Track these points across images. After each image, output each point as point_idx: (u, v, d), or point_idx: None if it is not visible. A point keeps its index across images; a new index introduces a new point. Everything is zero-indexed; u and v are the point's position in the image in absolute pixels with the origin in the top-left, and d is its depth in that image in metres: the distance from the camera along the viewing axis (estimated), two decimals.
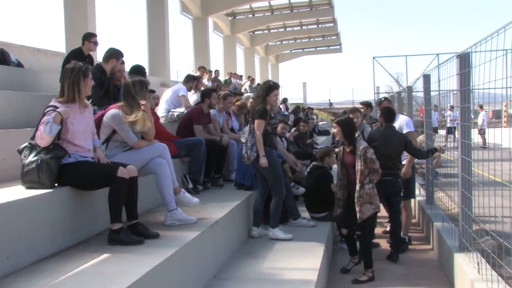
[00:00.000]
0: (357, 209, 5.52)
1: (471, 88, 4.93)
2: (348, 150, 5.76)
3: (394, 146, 6.38)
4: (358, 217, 5.55)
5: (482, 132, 20.73)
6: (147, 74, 8.10)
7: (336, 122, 5.83)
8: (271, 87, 5.86)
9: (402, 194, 6.73)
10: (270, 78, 36.01)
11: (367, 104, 8.27)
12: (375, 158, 5.63)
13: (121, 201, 4.00)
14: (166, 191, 4.59)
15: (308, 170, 7.40)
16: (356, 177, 5.59)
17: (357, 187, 5.54)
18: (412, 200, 7.77)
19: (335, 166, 6.66)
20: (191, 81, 9.88)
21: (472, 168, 5.00)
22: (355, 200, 5.56)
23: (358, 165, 5.55)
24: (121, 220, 4.02)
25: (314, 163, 7.39)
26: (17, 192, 3.70)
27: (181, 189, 4.93)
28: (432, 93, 7.61)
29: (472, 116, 5.56)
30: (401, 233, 6.83)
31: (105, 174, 3.99)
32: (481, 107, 20.53)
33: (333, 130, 5.98)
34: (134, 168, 4.13)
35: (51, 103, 4.01)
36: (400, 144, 6.38)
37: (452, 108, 17.11)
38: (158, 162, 4.62)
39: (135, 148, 4.66)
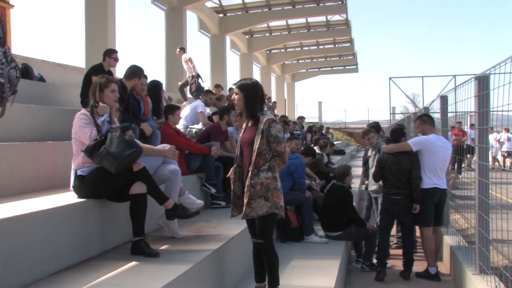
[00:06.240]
0: (245, 201, 4.07)
1: (489, 110, 4.93)
2: (250, 124, 4.29)
3: (401, 166, 6.34)
4: (243, 212, 4.09)
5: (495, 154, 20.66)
6: (164, 90, 8.22)
7: (239, 87, 4.20)
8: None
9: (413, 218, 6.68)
10: (285, 97, 36.31)
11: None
12: (282, 137, 4.11)
13: (141, 215, 4.10)
14: (175, 198, 4.64)
15: (328, 188, 7.39)
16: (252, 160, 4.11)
17: (250, 173, 4.07)
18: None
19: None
20: (203, 95, 10.18)
21: (490, 191, 4.97)
22: (245, 190, 4.11)
23: (257, 143, 4.06)
24: (143, 233, 4.11)
25: (333, 181, 7.38)
26: (39, 203, 3.78)
27: (185, 191, 5.00)
28: (449, 115, 7.61)
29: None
30: (428, 264, 6.70)
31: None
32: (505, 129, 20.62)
33: (234, 97, 4.29)
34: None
35: (82, 112, 4.24)
36: (407, 164, 6.34)
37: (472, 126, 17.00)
38: (173, 169, 4.70)
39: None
